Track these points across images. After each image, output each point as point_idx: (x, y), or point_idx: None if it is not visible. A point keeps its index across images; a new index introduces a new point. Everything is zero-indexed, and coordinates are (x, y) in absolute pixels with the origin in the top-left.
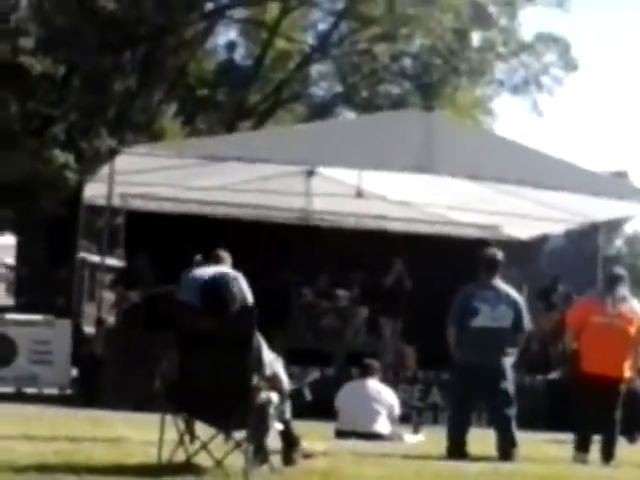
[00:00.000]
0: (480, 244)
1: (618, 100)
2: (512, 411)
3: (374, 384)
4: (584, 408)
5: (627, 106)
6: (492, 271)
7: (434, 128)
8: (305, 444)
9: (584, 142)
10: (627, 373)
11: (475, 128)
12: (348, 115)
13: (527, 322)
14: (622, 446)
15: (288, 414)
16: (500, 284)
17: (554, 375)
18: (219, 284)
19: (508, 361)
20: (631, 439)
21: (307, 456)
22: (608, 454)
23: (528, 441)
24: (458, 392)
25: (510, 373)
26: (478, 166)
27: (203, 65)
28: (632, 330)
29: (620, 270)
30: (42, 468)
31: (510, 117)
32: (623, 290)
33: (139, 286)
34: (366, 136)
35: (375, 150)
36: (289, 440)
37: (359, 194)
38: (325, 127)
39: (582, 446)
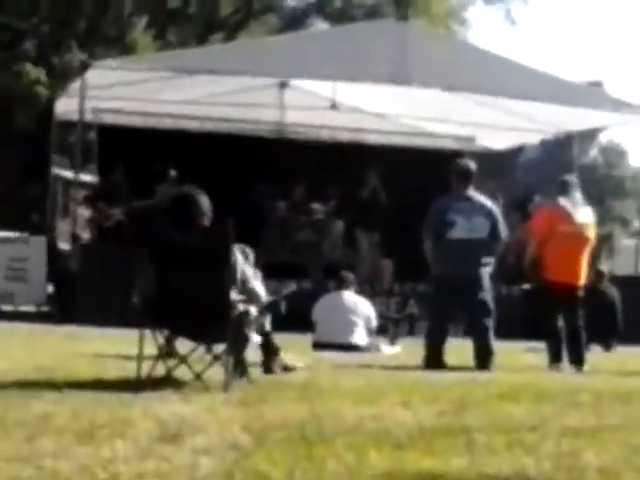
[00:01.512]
0: (455, 155)
1: (593, 9)
2: (490, 321)
3: (351, 296)
4: (551, 316)
5: (602, 15)
6: (466, 182)
7: (408, 39)
8: (286, 358)
9: (559, 52)
10: (584, 280)
11: (450, 38)
12: (321, 26)
13: (503, 231)
14: (598, 354)
15: (268, 326)
16: (475, 195)
17: (529, 285)
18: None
19: (486, 271)
20: (607, 347)
21: (286, 368)
22: (578, 360)
23: (505, 350)
24: (436, 304)
25: (488, 283)
26: (453, 77)
27: None
28: (592, 237)
29: (571, 176)
30: (22, 384)
31: (484, 27)
32: (579, 195)
33: (118, 202)
34: (340, 47)
35: (349, 62)
36: (269, 350)
37: (333, 106)
38: (298, 38)
39: (555, 355)
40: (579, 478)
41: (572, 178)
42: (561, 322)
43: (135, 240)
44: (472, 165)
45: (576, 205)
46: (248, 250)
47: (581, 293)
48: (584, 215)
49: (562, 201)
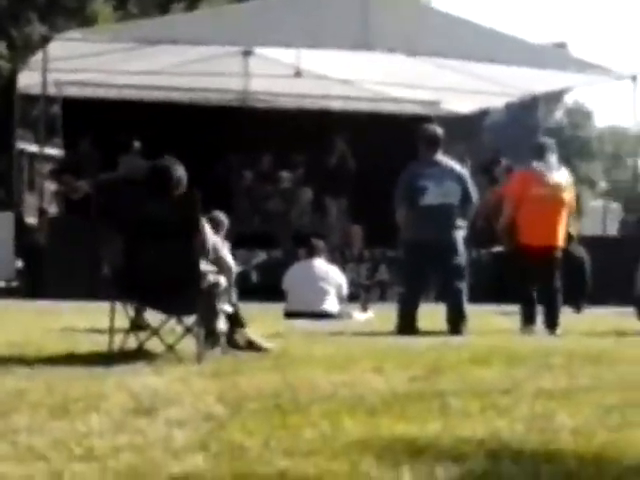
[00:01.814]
0: (421, 120)
1: None
2: (463, 285)
3: (321, 264)
4: (525, 280)
5: None
6: (434, 147)
7: (370, 3)
8: (254, 335)
9: (522, 14)
10: (562, 242)
11: (413, 2)
12: None
13: (474, 195)
14: (568, 315)
15: (235, 297)
16: (444, 159)
17: (499, 248)
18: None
19: (459, 235)
20: (577, 308)
21: (251, 344)
22: (552, 323)
23: (477, 314)
24: (409, 269)
25: (462, 247)
26: (416, 41)
27: None
28: (568, 198)
29: (547, 139)
30: None
31: None
32: (554, 158)
33: (85, 174)
34: (302, 14)
35: (312, 28)
36: (234, 323)
37: (297, 73)
38: (260, 6)
39: (528, 318)
40: (553, 439)
41: (548, 141)
42: (535, 285)
43: (102, 212)
44: (439, 130)
45: (551, 168)
46: (223, 217)
47: (558, 255)
48: (559, 177)
49: (535, 164)
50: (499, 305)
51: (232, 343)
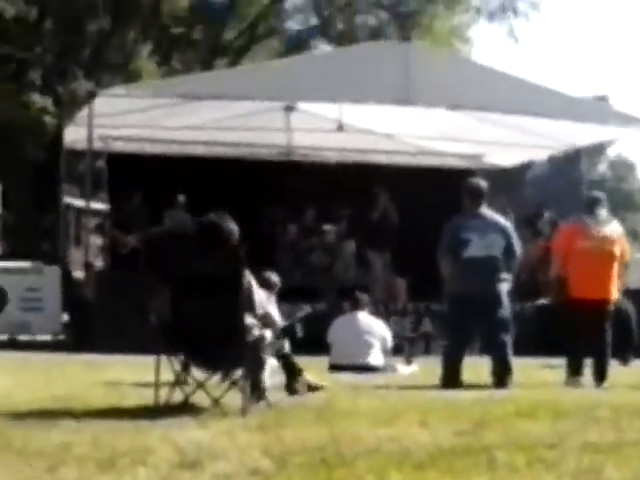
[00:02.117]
0: (463, 174)
1: (596, 24)
2: (508, 337)
3: (365, 317)
4: (575, 333)
5: (605, 30)
6: (478, 200)
7: (412, 58)
8: (309, 377)
9: (563, 67)
10: (614, 294)
11: (453, 56)
12: (324, 48)
13: (518, 247)
14: (615, 368)
15: (287, 348)
16: (487, 212)
17: (543, 301)
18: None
19: (503, 288)
20: (624, 361)
21: (311, 387)
22: (601, 376)
23: (521, 367)
24: (453, 322)
25: (506, 300)
26: (458, 95)
27: (176, 3)
28: (617, 251)
29: (598, 193)
30: (41, 414)
31: (487, 44)
32: (604, 212)
33: (133, 229)
34: (344, 69)
35: (353, 83)
36: (291, 372)
37: (340, 128)
38: (302, 61)
39: (575, 370)
40: None
41: (600, 194)
42: (584, 338)
43: (150, 266)
44: (483, 183)
45: (599, 221)
46: (275, 277)
47: (609, 308)
48: (607, 230)
49: (581, 217)
50: (544, 358)
51: (292, 391)
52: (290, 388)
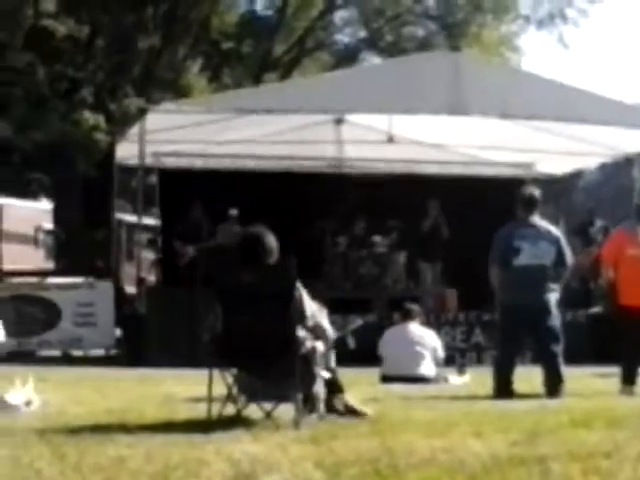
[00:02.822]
0: (515, 183)
1: None
2: (559, 347)
3: (416, 328)
4: (628, 341)
5: None
6: (530, 209)
7: (462, 68)
8: (351, 401)
9: (613, 74)
10: None
11: (503, 65)
12: (373, 60)
13: (569, 257)
14: None
15: (333, 363)
16: (539, 221)
17: (595, 310)
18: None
19: (553, 297)
20: None
21: (349, 409)
22: None
23: (573, 376)
24: (504, 331)
25: (555, 309)
26: (508, 104)
27: (225, 18)
28: None
29: None
30: (95, 428)
31: (536, 52)
32: None
33: (193, 241)
34: (393, 80)
35: (403, 94)
36: (332, 388)
37: (390, 139)
38: (351, 74)
39: (628, 379)
40: None
41: None
42: (636, 346)
43: (204, 279)
44: (536, 192)
45: None
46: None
47: None
48: None
49: (631, 224)
50: (597, 367)
51: (331, 408)
52: (329, 405)
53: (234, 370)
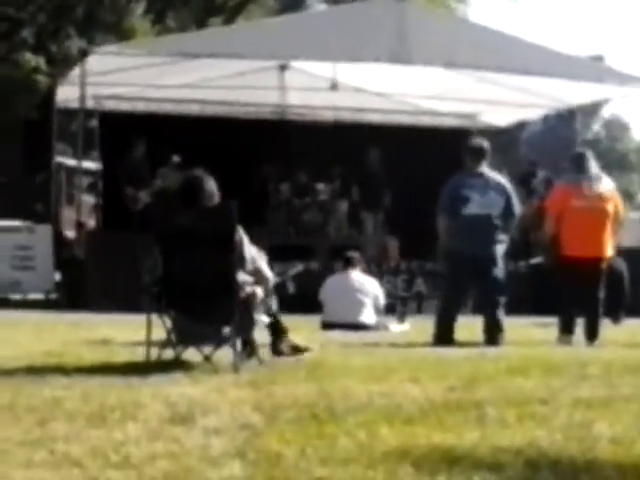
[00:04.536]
0: (458, 133)
1: None
2: (502, 298)
3: (358, 275)
4: (568, 291)
5: None
6: (479, 159)
7: (407, 17)
8: (295, 339)
9: (559, 27)
10: (608, 252)
11: (448, 15)
12: (320, 8)
13: (517, 208)
14: (606, 327)
15: (275, 307)
16: (488, 171)
17: (536, 260)
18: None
19: (500, 248)
20: (615, 319)
21: (296, 349)
22: (592, 334)
23: (513, 326)
24: (450, 279)
25: (501, 261)
26: (453, 54)
27: None
28: (611, 209)
29: (583, 149)
30: (31, 370)
31: (483, 3)
32: (594, 168)
33: (138, 184)
34: (339, 28)
35: (348, 42)
36: (276, 331)
37: (334, 86)
38: (297, 20)
39: (566, 328)
40: (591, 448)
41: (586, 151)
42: (576, 297)
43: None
44: (485, 143)
45: (591, 179)
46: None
47: (602, 266)
48: (600, 188)
49: (574, 176)
50: (537, 317)
51: (277, 351)
52: (275, 348)
53: (173, 314)
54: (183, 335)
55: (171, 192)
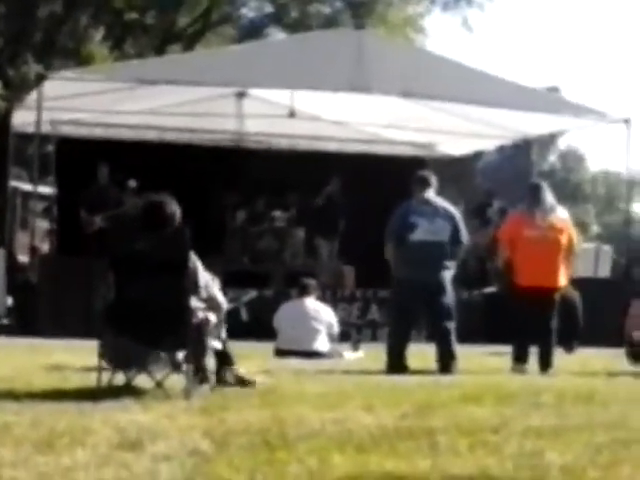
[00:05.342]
0: (415, 162)
1: (549, 15)
2: (452, 324)
3: (312, 303)
4: (521, 320)
5: (558, 21)
6: (424, 186)
7: (365, 46)
8: (243, 371)
9: (516, 58)
10: (561, 282)
11: (406, 45)
12: (278, 36)
13: (464, 235)
14: (560, 356)
15: (224, 335)
16: (436, 199)
17: (490, 289)
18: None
19: (447, 275)
20: (569, 349)
21: (240, 380)
22: (546, 363)
23: (467, 354)
24: (398, 307)
25: (450, 287)
26: (411, 84)
27: None
28: (564, 239)
29: (539, 180)
30: None
31: (441, 34)
32: (549, 199)
33: (102, 209)
34: (297, 56)
35: (307, 70)
36: (223, 360)
37: (292, 114)
38: (255, 48)
39: (520, 357)
40: (542, 477)
41: (542, 182)
42: (529, 326)
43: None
44: (431, 174)
45: (545, 209)
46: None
47: (554, 296)
48: (553, 218)
49: (528, 206)
50: (491, 346)
51: (220, 380)
52: (220, 377)
53: (124, 339)
54: (134, 360)
55: (128, 217)
